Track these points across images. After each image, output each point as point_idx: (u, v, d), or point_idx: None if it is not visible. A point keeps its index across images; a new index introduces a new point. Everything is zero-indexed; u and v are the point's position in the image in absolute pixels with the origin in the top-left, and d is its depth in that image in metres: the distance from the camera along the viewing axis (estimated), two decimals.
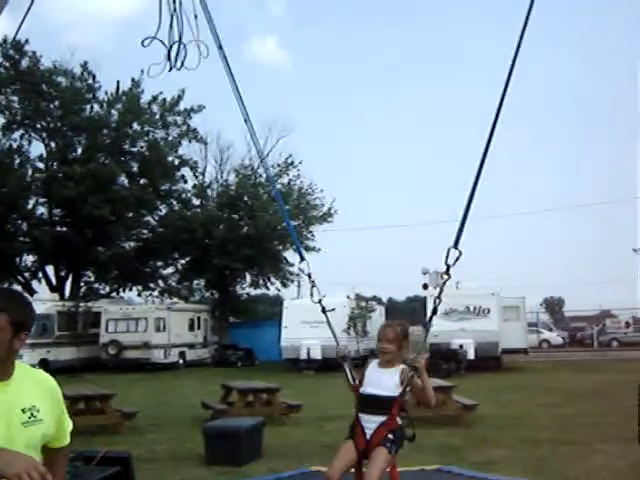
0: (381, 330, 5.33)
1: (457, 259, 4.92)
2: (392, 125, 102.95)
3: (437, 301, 5.28)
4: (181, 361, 35.93)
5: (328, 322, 6.16)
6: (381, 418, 4.99)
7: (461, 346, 29.09)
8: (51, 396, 2.87)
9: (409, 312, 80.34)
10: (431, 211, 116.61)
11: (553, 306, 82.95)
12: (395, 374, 5.11)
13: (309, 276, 5.50)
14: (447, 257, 4.93)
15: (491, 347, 30.02)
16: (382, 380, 5.12)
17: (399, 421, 5.08)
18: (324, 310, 5.56)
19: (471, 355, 29.22)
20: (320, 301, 5.53)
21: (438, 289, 5.22)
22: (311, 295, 5.53)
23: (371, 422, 5.01)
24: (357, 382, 5.41)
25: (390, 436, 4.95)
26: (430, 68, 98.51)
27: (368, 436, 4.97)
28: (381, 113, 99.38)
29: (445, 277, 5.04)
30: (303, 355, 31.44)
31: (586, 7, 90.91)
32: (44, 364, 31.03)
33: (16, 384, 2.70)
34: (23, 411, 2.67)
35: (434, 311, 5.44)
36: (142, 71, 39.79)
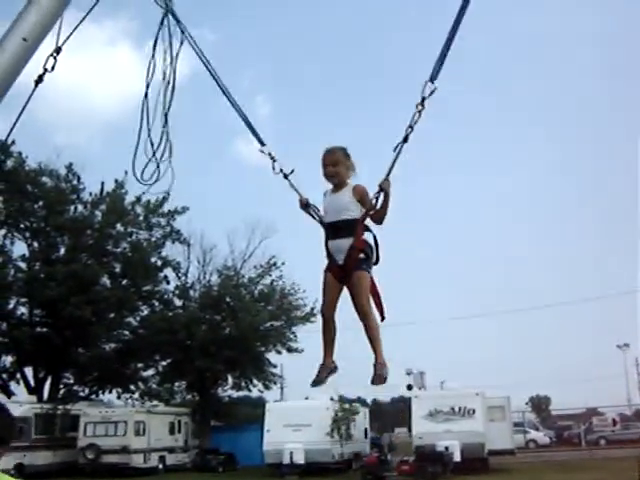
0: (323, 157, 5.12)
1: (432, 93, 4.73)
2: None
3: (417, 115, 4.86)
4: (161, 466, 35.04)
5: None
6: (348, 241, 4.90)
7: (447, 448, 28.60)
8: None
9: (394, 413, 79.61)
10: (416, 310, 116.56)
11: (539, 405, 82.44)
12: (346, 193, 5.00)
13: (270, 155, 5.25)
14: (423, 90, 4.77)
15: (477, 448, 29.54)
16: (337, 203, 5.03)
17: (366, 238, 4.99)
18: (286, 176, 5.28)
19: (457, 457, 28.71)
20: (282, 171, 5.25)
21: (413, 120, 4.83)
22: (273, 169, 5.21)
23: (340, 248, 4.92)
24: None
25: (362, 256, 4.91)
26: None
27: (341, 261, 4.91)
28: None
29: (419, 107, 4.75)
30: (286, 460, 30.77)
31: None
32: (19, 469, 30.20)
33: None
34: None
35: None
36: (126, 172, 40.35)
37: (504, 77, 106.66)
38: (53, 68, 3.57)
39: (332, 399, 34.31)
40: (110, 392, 42.61)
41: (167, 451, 35.98)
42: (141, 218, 42.11)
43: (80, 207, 41.45)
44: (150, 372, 43.48)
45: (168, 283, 43.32)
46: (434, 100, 4.70)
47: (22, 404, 33.67)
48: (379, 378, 4.97)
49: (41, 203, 39.98)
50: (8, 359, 40.96)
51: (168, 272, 43.18)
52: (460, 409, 30.54)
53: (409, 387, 40.33)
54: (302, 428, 30.65)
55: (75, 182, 40.84)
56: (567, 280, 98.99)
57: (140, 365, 43.18)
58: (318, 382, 5.04)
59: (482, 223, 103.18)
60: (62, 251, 41.00)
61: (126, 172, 41.97)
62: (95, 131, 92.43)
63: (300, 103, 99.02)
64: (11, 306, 40.05)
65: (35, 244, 40.85)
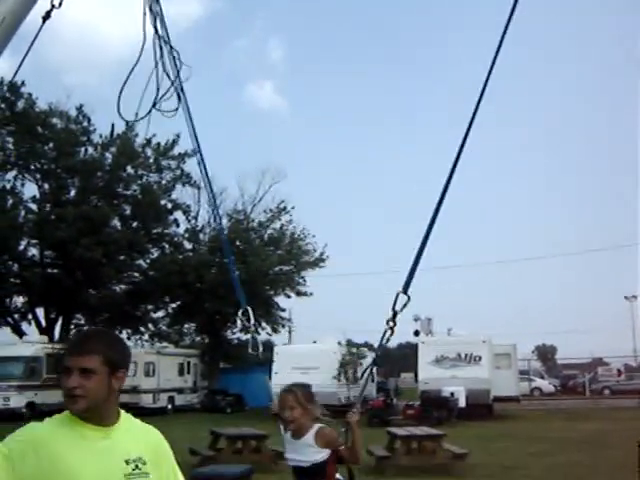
0: (280, 396, 4.90)
1: (405, 306, 4.40)
2: (389, 171, 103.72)
3: (377, 353, 5.04)
4: (170, 406, 35.57)
5: None
6: None
7: (452, 394, 28.83)
8: (159, 450, 2.69)
9: (401, 358, 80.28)
10: (425, 256, 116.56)
11: (545, 354, 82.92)
12: (310, 441, 4.73)
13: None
14: (395, 303, 4.39)
15: (482, 395, 29.79)
16: (300, 452, 4.75)
17: (339, 478, 4.82)
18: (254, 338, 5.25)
19: (462, 403, 28.94)
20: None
21: (383, 339, 4.54)
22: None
23: None
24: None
25: None
26: (428, 116, 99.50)
27: None
28: (377, 159, 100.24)
29: (390, 324, 4.39)
30: None
31: None
32: (31, 407, 30.73)
33: (120, 433, 2.56)
34: (127, 462, 2.49)
35: (374, 363, 5.40)
36: (136, 114, 40.08)
37: None
38: (60, 4, 3.51)
39: (339, 343, 34.58)
40: (120, 333, 43.00)
41: (176, 392, 36.47)
42: (151, 161, 42.04)
43: (90, 149, 41.43)
44: (160, 314, 43.95)
45: (178, 226, 43.52)
46: None
47: (33, 344, 34.12)
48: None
49: (51, 145, 39.90)
50: (19, 300, 41.46)
51: (178, 215, 43.36)
52: (466, 356, 30.74)
53: (416, 333, 40.41)
54: (309, 371, 30.90)
55: (85, 124, 40.72)
56: (577, 230, 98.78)
57: (150, 307, 43.57)
58: None
59: (493, 172, 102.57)
60: (72, 193, 41.10)
61: (136, 114, 41.77)
62: (106, 71, 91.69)
63: (314, 48, 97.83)
64: (22, 247, 40.32)
65: (45, 186, 40.92)
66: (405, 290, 4.42)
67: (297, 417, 4.72)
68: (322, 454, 4.65)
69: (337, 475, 4.77)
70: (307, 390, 4.96)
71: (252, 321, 5.20)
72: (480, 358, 30.67)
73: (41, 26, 3.58)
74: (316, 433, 4.69)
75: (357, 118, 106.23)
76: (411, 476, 13.34)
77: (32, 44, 3.67)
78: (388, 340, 4.51)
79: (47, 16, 3.52)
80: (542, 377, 56.46)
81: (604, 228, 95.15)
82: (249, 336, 5.28)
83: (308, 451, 4.66)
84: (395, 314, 4.38)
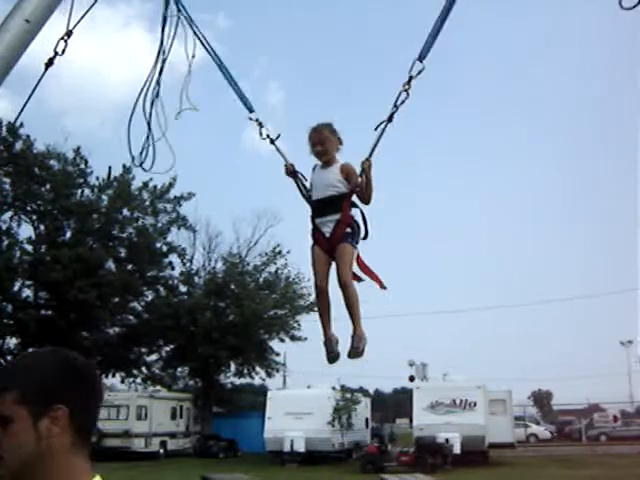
0: (310, 135, 5.13)
1: (420, 72, 4.63)
2: (383, 214, 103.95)
3: (403, 95, 4.79)
4: (162, 450, 35.21)
5: None
6: (335, 216, 5.01)
7: (447, 440, 28.63)
8: None
9: (396, 404, 79.84)
10: (420, 302, 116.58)
11: (541, 399, 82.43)
12: (334, 170, 5.06)
13: (257, 120, 5.20)
14: (411, 68, 4.65)
15: (477, 441, 29.58)
16: (325, 179, 5.09)
17: (353, 214, 5.07)
18: (272, 142, 5.28)
19: (457, 449, 28.75)
20: (269, 137, 5.21)
21: (398, 100, 4.72)
22: (260, 134, 5.21)
23: (327, 224, 5.03)
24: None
25: (348, 230, 5.00)
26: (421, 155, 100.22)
27: (328, 234, 5.02)
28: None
29: (405, 87, 4.65)
30: (287, 447, 30.87)
31: None
32: None
33: None
34: None
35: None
36: (133, 157, 40.25)
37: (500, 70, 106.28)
38: (64, 52, 3.58)
39: (334, 388, 34.39)
40: (113, 376, 42.79)
41: (169, 436, 36.14)
42: (147, 203, 42.19)
43: (87, 191, 41.56)
44: (153, 357, 43.74)
45: (173, 269, 43.49)
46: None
47: None
48: (355, 351, 4.99)
49: (48, 186, 40.05)
50: (12, 341, 41.19)
51: (173, 258, 43.38)
52: (461, 402, 30.57)
53: (411, 378, 40.33)
54: (303, 416, 30.74)
55: (82, 166, 40.92)
56: (572, 276, 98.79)
57: (144, 350, 43.34)
58: (333, 356, 5.02)
59: (487, 217, 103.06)
60: (68, 234, 41.12)
61: (133, 158, 41.95)
62: (105, 115, 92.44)
63: (313, 90, 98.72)
64: (16, 288, 40.18)
65: (41, 227, 40.96)
66: (421, 57, 4.65)
67: (327, 149, 5.08)
68: (344, 187, 5.01)
69: (351, 210, 5.07)
70: (331, 126, 5.21)
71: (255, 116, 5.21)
72: (475, 404, 30.51)
73: (43, 73, 3.64)
74: (341, 165, 5.05)
75: (353, 159, 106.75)
76: None
77: (34, 90, 3.72)
78: (403, 102, 4.72)
79: (50, 63, 3.58)
80: (538, 423, 56.10)
81: (600, 274, 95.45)
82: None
83: (336, 180, 5.02)
84: (410, 79, 4.66)
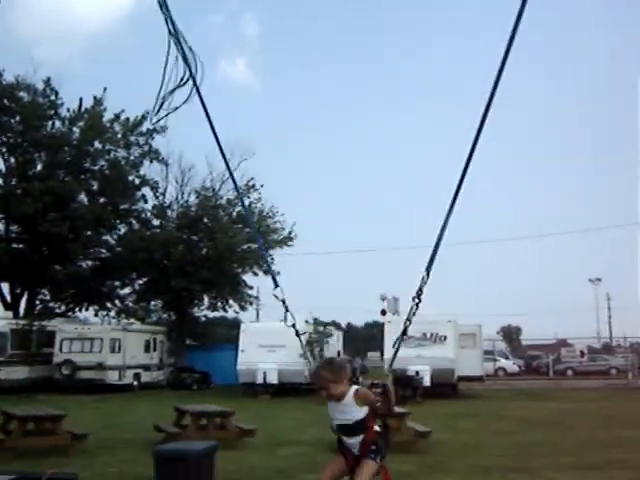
0: (319, 376, 5.35)
1: (424, 283, 5.19)
2: (356, 152, 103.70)
3: (407, 323, 5.54)
4: (136, 383, 35.50)
5: (302, 346, 6.53)
6: (360, 437, 5.28)
7: (417, 372, 29.10)
8: None
9: (367, 338, 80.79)
10: (390, 238, 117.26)
11: (510, 334, 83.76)
12: (350, 401, 5.27)
13: (283, 302, 5.59)
14: (421, 283, 5.20)
15: (447, 374, 30.12)
16: (341, 412, 5.30)
17: (377, 429, 5.38)
18: (297, 334, 5.76)
19: (427, 382, 29.24)
20: (294, 325, 5.67)
21: (407, 314, 5.41)
22: (285, 320, 5.65)
23: (353, 442, 5.30)
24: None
25: (373, 447, 5.28)
26: (401, 94, 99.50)
27: (357, 452, 5.31)
28: (347, 138, 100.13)
29: (416, 300, 5.28)
30: (259, 379, 31.25)
31: None
32: None
33: None
34: None
35: (404, 332, 5.67)
36: (105, 88, 39.79)
37: None
38: None
39: (307, 322, 34.66)
40: (87, 309, 42.83)
41: (142, 369, 36.39)
42: (119, 136, 41.69)
43: (58, 123, 40.97)
44: (127, 290, 43.68)
45: (146, 202, 43.24)
46: None
47: None
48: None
49: (18, 118, 39.38)
50: None
51: (146, 191, 43.05)
52: (432, 335, 30.98)
53: (383, 312, 40.70)
54: (276, 349, 31.00)
55: (53, 97, 40.22)
56: (544, 213, 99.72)
57: (117, 283, 43.30)
58: None
59: (463, 150, 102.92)
60: (39, 167, 40.64)
61: (105, 89, 41.28)
62: (76, 46, 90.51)
63: (290, 23, 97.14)
64: None
65: (12, 160, 40.39)
66: (427, 272, 5.19)
67: (333, 393, 5.24)
68: (362, 411, 5.26)
69: (375, 427, 5.37)
70: (333, 365, 5.46)
71: (284, 297, 5.66)
72: (445, 338, 30.96)
73: None
74: (354, 394, 5.27)
75: (329, 97, 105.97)
76: None
77: None
78: (414, 314, 5.41)
79: None
80: (507, 357, 57.17)
81: (571, 211, 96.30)
82: None
83: (350, 410, 5.25)
84: (420, 292, 5.25)
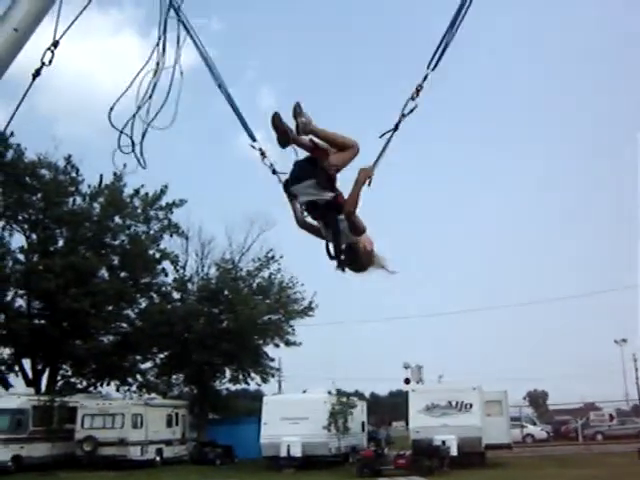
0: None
1: (424, 79, 4.66)
2: (375, 217, 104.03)
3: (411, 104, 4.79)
4: (158, 458, 35.05)
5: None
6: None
7: (444, 442, 28.60)
8: None
9: (392, 407, 79.67)
10: (415, 304, 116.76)
11: (537, 399, 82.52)
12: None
13: (261, 152, 5.19)
14: (423, 80, 4.69)
15: (474, 443, 29.56)
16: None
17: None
18: (274, 172, 5.24)
19: (454, 451, 28.70)
20: (272, 166, 5.23)
21: (405, 108, 4.76)
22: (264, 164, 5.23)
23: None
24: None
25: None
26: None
27: None
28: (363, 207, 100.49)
29: (414, 95, 4.67)
30: (283, 452, 30.79)
31: None
32: (17, 460, 30.28)
33: None
34: None
35: None
36: (124, 165, 40.17)
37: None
38: (51, 62, 3.56)
39: (330, 393, 34.33)
40: (108, 384, 42.64)
41: (164, 444, 35.97)
42: (139, 211, 42.12)
43: (79, 199, 41.53)
44: (148, 365, 43.54)
45: (166, 276, 43.35)
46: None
47: (20, 396, 33.73)
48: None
49: (39, 195, 39.96)
50: (6, 351, 40.98)
51: (166, 265, 43.21)
52: (457, 403, 30.55)
53: (407, 381, 40.31)
54: (299, 421, 30.66)
55: (74, 174, 40.87)
56: (567, 275, 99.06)
57: (138, 358, 43.18)
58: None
59: (481, 219, 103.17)
60: (60, 243, 41.06)
61: (125, 165, 41.80)
62: (96, 123, 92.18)
63: (306, 95, 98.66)
64: (9, 298, 40.09)
65: (33, 236, 40.85)
66: (431, 67, 4.65)
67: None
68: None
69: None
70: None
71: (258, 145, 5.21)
72: (471, 405, 30.50)
73: (31, 83, 3.62)
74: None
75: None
76: None
77: (22, 100, 3.70)
78: (411, 111, 4.69)
79: (37, 74, 3.57)
80: (534, 423, 56.05)
81: (594, 272, 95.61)
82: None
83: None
84: (419, 89, 4.64)
